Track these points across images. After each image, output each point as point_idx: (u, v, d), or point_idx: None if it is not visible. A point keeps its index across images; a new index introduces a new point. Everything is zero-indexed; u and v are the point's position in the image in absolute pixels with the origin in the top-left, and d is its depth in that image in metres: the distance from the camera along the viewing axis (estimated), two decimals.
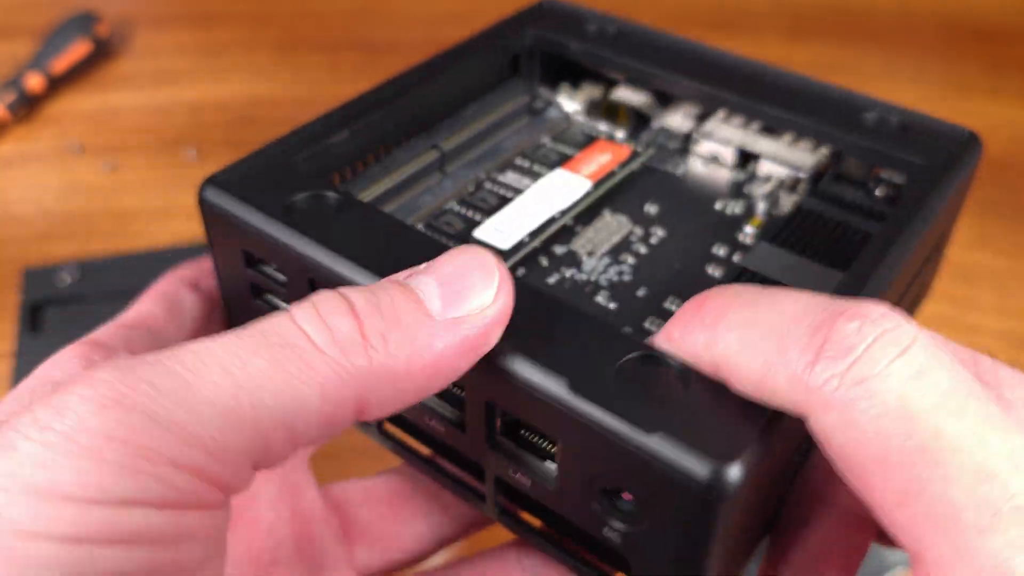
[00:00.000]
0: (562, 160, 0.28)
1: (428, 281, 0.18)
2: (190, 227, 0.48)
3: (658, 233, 0.26)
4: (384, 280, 0.19)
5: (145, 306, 0.25)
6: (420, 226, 0.26)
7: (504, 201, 0.27)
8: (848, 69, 0.58)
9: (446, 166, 0.28)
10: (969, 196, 0.26)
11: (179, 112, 0.58)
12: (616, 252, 0.25)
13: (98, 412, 0.15)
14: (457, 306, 0.18)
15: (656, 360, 0.18)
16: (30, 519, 0.14)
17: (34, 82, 0.57)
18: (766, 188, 0.28)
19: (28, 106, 0.57)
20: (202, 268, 0.27)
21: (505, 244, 0.25)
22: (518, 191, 0.27)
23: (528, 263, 0.25)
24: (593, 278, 0.25)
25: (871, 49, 0.59)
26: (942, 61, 0.58)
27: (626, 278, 0.25)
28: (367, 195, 0.26)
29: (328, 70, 0.62)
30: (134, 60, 0.63)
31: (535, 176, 0.28)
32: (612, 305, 0.24)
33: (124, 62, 0.63)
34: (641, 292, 0.24)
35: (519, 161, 0.29)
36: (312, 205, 0.22)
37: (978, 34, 0.60)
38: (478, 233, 0.25)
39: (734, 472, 0.16)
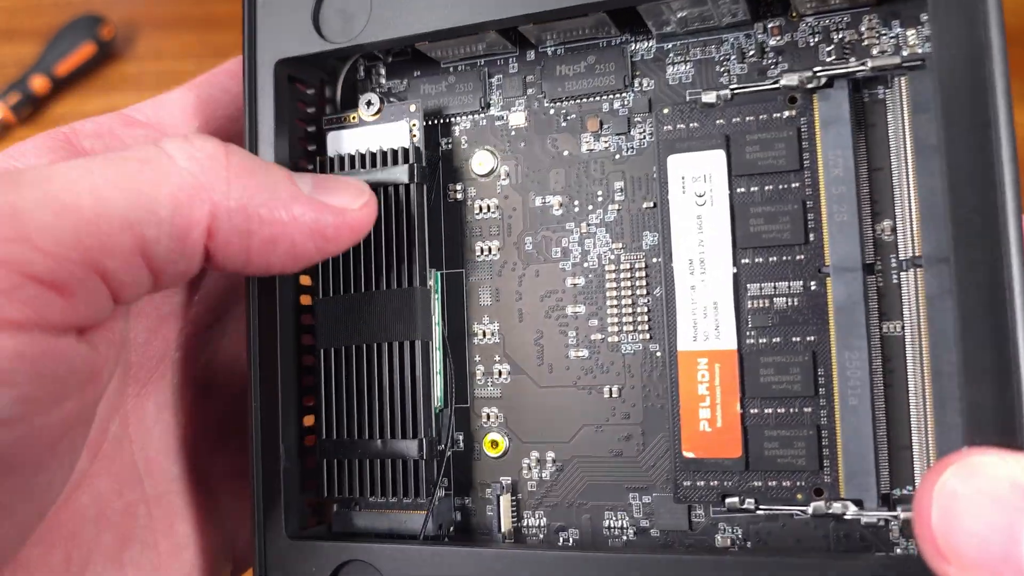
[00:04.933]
0: None
1: (305, 175, 0.19)
2: None
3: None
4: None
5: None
6: None
7: None
8: None
9: None
10: None
11: None
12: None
13: None
14: (324, 194, 0.18)
15: None
16: None
17: (39, 84, 0.58)
18: None
19: (33, 108, 0.58)
20: None
21: None
22: None
23: None
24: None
25: None
26: None
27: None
28: None
29: None
30: (138, 62, 0.63)
31: None
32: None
33: (128, 64, 0.63)
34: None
35: None
36: None
37: None
38: None
39: None
